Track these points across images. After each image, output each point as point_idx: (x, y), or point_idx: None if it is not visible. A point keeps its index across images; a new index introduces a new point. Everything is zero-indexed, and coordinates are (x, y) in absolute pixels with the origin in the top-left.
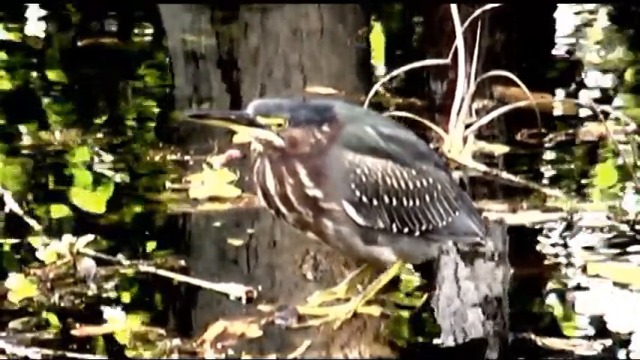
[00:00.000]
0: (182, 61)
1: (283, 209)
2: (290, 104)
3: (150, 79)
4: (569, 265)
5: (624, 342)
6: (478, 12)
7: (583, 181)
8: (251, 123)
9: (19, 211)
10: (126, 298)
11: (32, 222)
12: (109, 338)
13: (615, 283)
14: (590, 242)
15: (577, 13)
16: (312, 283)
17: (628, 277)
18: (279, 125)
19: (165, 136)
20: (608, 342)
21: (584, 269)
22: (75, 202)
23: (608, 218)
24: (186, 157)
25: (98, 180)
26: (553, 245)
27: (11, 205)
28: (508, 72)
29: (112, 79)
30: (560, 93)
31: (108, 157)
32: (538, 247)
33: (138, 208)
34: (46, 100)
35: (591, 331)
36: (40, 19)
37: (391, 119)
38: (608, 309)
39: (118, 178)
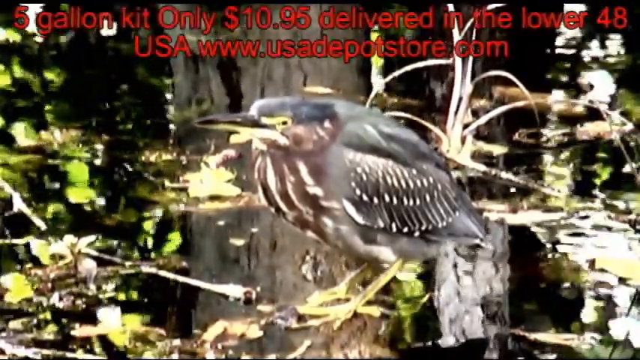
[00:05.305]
0: (182, 61)
1: (283, 207)
2: (292, 102)
3: (149, 78)
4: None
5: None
6: (479, 13)
7: (583, 181)
8: (256, 124)
9: (28, 212)
10: (126, 298)
11: (39, 222)
12: (109, 339)
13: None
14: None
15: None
16: (312, 283)
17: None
18: (284, 123)
19: (162, 136)
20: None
21: (591, 264)
22: (73, 201)
23: (609, 218)
24: (182, 157)
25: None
26: (553, 244)
27: (19, 205)
28: (507, 72)
29: (111, 78)
30: (558, 93)
31: (106, 157)
32: (538, 247)
33: (137, 208)
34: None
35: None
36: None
37: (392, 118)
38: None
39: (116, 176)
